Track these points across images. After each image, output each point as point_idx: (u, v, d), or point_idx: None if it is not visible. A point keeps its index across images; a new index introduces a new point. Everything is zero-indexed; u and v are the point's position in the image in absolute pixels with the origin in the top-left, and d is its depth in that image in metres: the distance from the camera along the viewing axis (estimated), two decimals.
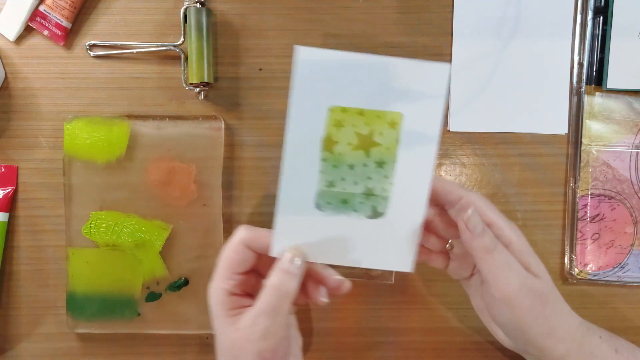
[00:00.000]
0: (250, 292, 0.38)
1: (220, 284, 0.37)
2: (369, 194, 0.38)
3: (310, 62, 0.36)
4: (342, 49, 0.46)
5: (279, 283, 0.36)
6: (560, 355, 0.37)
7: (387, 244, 0.38)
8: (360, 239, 0.38)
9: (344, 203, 0.38)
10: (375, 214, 0.38)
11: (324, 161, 0.37)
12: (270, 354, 0.36)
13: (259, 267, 0.39)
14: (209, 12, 0.45)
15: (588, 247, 0.46)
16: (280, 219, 0.38)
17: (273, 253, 0.38)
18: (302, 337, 0.42)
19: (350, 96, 0.36)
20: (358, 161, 0.38)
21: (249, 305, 0.36)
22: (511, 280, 0.35)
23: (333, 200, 0.38)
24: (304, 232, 0.38)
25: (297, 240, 0.38)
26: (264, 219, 0.47)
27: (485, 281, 0.37)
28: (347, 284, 0.37)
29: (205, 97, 0.46)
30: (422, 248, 0.41)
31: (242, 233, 0.37)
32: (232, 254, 0.37)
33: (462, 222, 0.36)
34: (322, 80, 0.36)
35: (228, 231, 0.47)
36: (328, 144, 0.37)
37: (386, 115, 0.37)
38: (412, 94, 0.36)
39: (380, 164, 0.37)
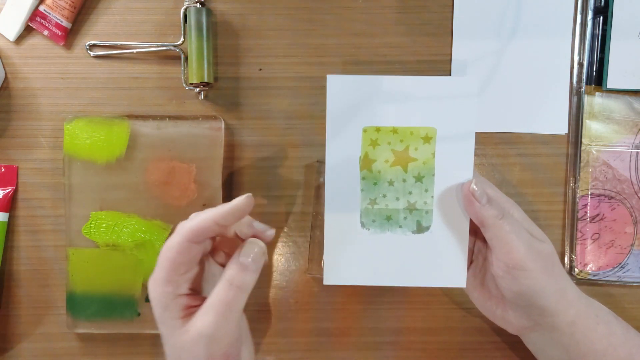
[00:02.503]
0: (196, 287, 0.35)
1: (163, 288, 0.33)
2: (411, 209, 0.39)
3: (341, 88, 0.38)
4: (343, 50, 0.46)
5: (233, 277, 0.33)
6: (571, 319, 0.37)
7: (437, 260, 0.39)
8: (409, 256, 0.39)
9: (389, 220, 0.39)
10: (421, 229, 0.39)
11: (363, 180, 0.39)
12: (221, 358, 0.33)
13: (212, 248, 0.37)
14: (209, 12, 0.45)
15: (588, 247, 0.46)
16: (328, 242, 0.39)
17: (325, 281, 0.39)
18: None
19: (382, 116, 0.38)
20: (397, 177, 0.39)
21: (197, 305, 0.34)
22: (522, 246, 0.36)
23: (377, 217, 0.39)
24: (352, 253, 0.39)
25: (346, 264, 0.39)
26: (264, 219, 0.47)
27: (495, 252, 0.37)
28: (271, 232, 0.37)
29: (205, 97, 0.46)
30: None
31: (185, 229, 0.33)
32: (175, 254, 0.33)
33: (469, 194, 0.37)
34: (354, 103, 0.38)
35: None
36: (366, 162, 0.39)
37: (419, 131, 0.38)
38: (443, 108, 0.38)
39: (419, 178, 0.39)
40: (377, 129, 0.38)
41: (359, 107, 0.38)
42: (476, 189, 0.37)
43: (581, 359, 0.38)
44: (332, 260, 0.39)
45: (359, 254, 0.39)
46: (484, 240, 0.39)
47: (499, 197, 0.39)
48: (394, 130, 0.38)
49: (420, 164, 0.39)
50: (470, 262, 0.42)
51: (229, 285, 0.33)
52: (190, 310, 0.34)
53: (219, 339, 0.33)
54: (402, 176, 0.39)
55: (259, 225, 0.36)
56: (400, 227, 0.39)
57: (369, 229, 0.39)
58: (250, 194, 0.35)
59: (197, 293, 0.35)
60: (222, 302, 0.33)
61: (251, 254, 0.34)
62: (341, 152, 0.38)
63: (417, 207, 0.39)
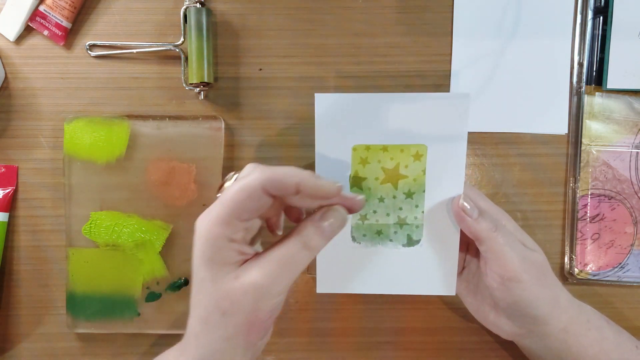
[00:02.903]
0: (247, 238, 0.33)
1: (221, 228, 0.31)
2: (402, 224, 0.39)
3: (329, 106, 0.37)
4: (343, 50, 0.46)
5: (310, 238, 0.32)
6: (563, 326, 0.38)
7: (428, 270, 0.39)
8: (400, 267, 0.39)
9: (379, 234, 0.39)
10: (411, 242, 0.39)
11: None
12: (266, 315, 0.31)
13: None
14: (209, 12, 0.45)
15: (588, 247, 0.46)
16: (320, 256, 0.39)
17: (318, 289, 0.39)
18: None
19: (371, 134, 0.38)
20: (387, 194, 0.39)
21: (247, 254, 0.32)
22: (516, 257, 0.36)
23: (368, 232, 0.39)
24: (344, 265, 0.39)
25: (339, 274, 0.39)
26: None
27: (489, 264, 0.37)
28: (360, 197, 0.34)
29: (205, 97, 0.46)
30: None
31: (261, 175, 0.31)
32: (247, 199, 0.31)
33: (460, 210, 0.37)
34: (343, 122, 0.37)
35: None
36: (356, 180, 0.38)
37: (410, 148, 0.38)
38: (434, 125, 0.37)
39: (410, 195, 0.39)
40: (367, 147, 0.38)
41: (348, 125, 0.37)
42: (466, 204, 0.37)
43: None
44: (325, 270, 0.39)
45: (351, 265, 0.39)
46: (476, 250, 0.39)
47: (491, 208, 0.39)
48: (384, 148, 0.38)
49: (410, 180, 0.38)
50: (462, 268, 0.42)
51: (303, 244, 0.32)
52: (241, 258, 0.32)
53: (271, 294, 0.31)
54: (393, 193, 0.38)
55: (348, 194, 0.33)
56: (391, 240, 0.39)
57: (360, 243, 0.39)
58: (341, 185, 0.32)
59: (248, 245, 0.33)
60: (289, 258, 0.31)
61: (332, 220, 0.32)
62: (331, 171, 0.38)
63: (408, 221, 0.39)
